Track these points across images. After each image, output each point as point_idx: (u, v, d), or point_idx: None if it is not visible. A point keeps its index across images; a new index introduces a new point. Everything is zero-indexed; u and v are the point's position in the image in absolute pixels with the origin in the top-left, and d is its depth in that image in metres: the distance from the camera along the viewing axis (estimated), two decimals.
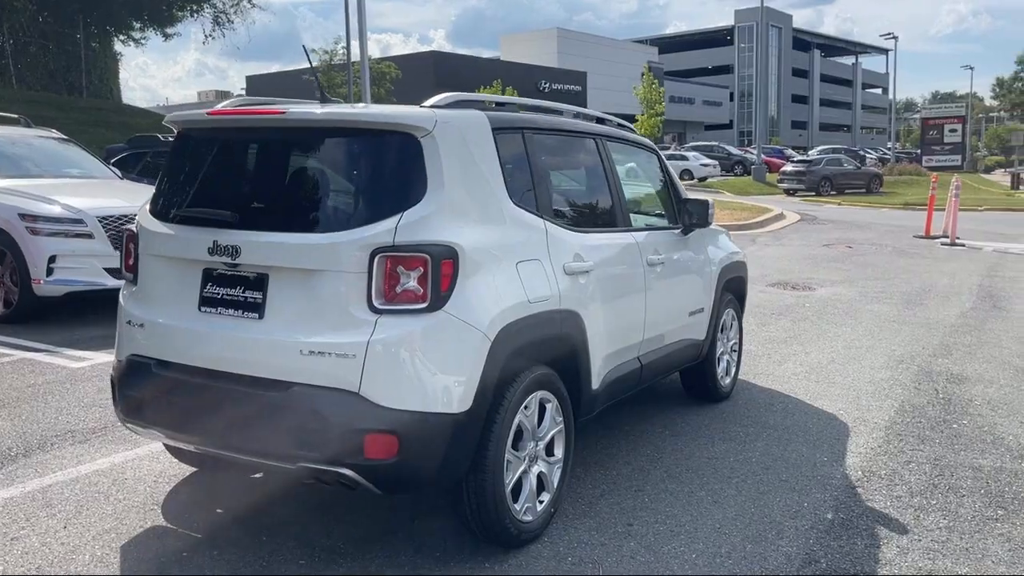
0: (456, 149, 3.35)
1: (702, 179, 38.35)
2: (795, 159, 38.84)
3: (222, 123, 3.64)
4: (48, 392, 5.80)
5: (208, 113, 3.61)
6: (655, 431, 5.16)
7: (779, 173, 35.37)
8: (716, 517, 3.89)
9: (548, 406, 3.67)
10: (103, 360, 6.52)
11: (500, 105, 4.12)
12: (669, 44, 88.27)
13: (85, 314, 8.24)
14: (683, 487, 4.26)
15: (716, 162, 40.92)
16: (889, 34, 52.77)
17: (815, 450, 4.84)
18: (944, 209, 17.38)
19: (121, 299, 3.80)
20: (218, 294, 3.43)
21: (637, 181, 5.34)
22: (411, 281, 3.10)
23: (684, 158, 39.84)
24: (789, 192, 33.26)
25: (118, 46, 34.62)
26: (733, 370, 6.03)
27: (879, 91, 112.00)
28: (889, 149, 61.53)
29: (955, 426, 5.32)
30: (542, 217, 3.77)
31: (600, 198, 4.55)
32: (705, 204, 5.16)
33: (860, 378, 6.48)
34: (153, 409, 3.55)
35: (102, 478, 4.31)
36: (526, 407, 3.50)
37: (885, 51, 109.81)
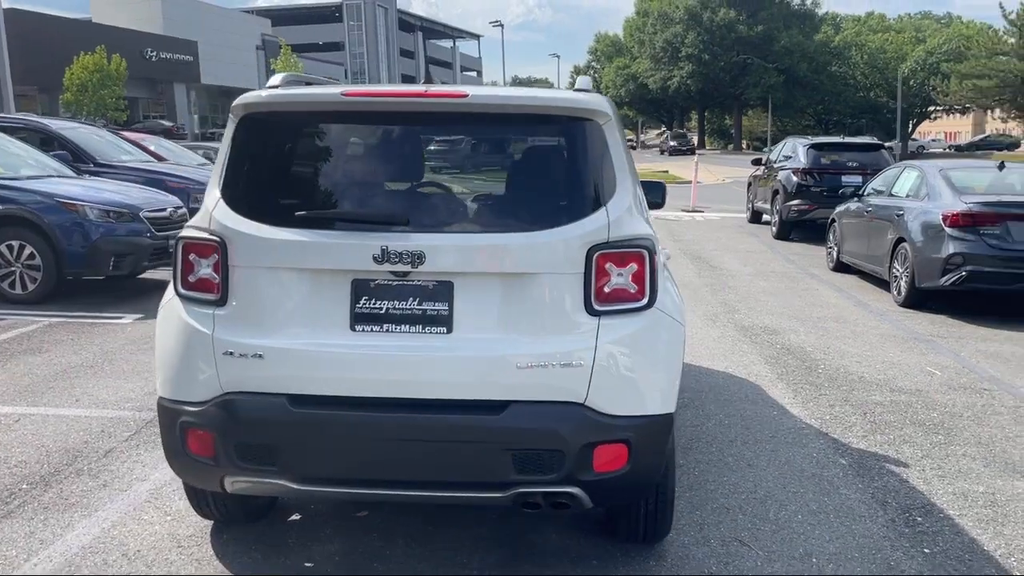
0: (621, 136, 3.21)
1: None
2: None
3: (373, 106, 3.02)
4: None
5: (347, 94, 2.97)
6: None
7: None
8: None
9: None
10: None
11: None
12: (282, 16, 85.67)
13: None
14: None
15: None
16: (496, 21, 56.78)
17: (770, 408, 5.44)
18: None
19: (194, 323, 2.98)
20: (380, 308, 2.90)
21: None
22: (624, 278, 2.93)
23: None
24: None
25: None
26: None
27: (474, 74, 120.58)
28: None
29: (821, 371, 6.31)
30: None
31: None
32: None
33: (698, 337, 7.28)
34: (293, 454, 2.90)
35: None
36: None
37: (477, 36, 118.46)
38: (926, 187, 9.02)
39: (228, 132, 3.11)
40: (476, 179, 3.13)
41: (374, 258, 2.83)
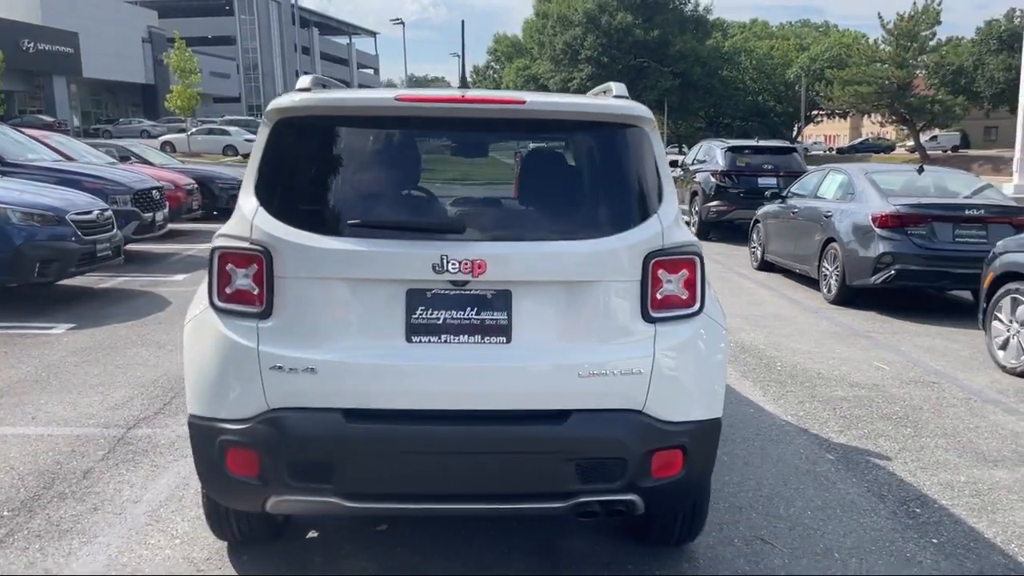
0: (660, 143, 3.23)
1: (247, 155, 37.03)
2: None
3: (428, 112, 2.91)
4: None
5: (401, 99, 2.85)
6: None
7: None
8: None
9: None
10: None
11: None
12: (169, 8, 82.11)
13: None
14: None
15: None
16: (397, 19, 56.22)
17: (746, 406, 5.59)
18: None
19: (235, 337, 2.82)
20: (437, 319, 2.82)
21: None
22: (676, 285, 2.95)
23: (226, 132, 38.03)
24: None
25: None
26: None
27: (371, 71, 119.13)
28: None
29: (780, 368, 6.53)
30: None
31: None
32: None
33: None
34: (349, 471, 2.78)
35: None
36: None
37: (374, 33, 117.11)
38: (853, 190, 9.46)
39: (264, 135, 2.97)
40: (529, 186, 3.08)
41: (433, 267, 2.76)
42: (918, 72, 52.38)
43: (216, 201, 16.12)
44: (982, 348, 7.04)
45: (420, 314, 2.82)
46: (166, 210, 12.04)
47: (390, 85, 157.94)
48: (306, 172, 2.96)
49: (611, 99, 3.11)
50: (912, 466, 4.56)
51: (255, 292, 2.84)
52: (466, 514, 3.32)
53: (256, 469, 2.82)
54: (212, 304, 2.90)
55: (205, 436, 2.90)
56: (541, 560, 3.44)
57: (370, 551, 3.47)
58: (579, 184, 3.05)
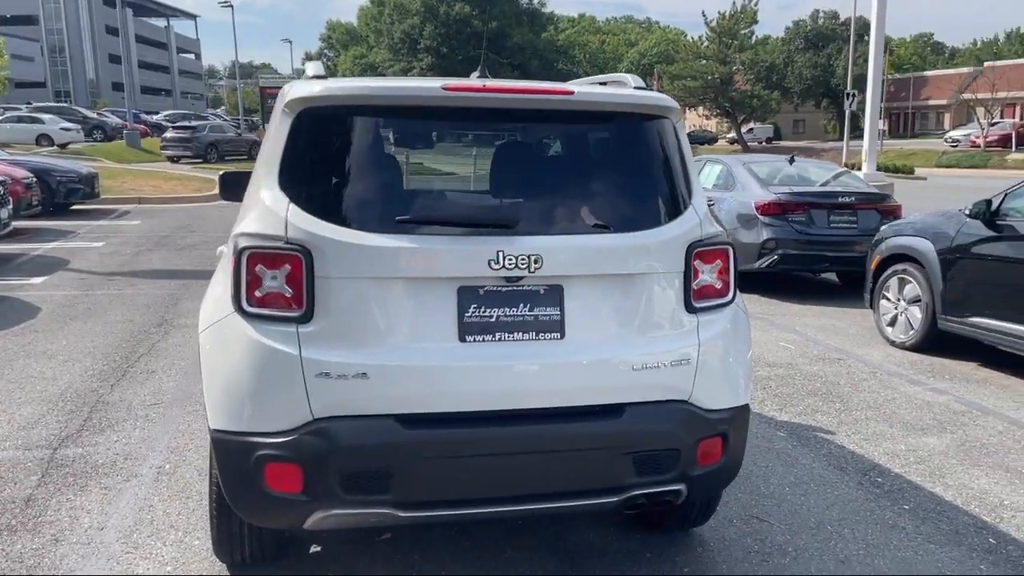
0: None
1: (64, 145, 34.13)
2: (177, 124, 37.47)
3: (476, 102, 2.75)
4: None
5: (448, 88, 2.68)
6: None
7: (162, 139, 33.92)
8: None
9: None
10: None
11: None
12: None
13: None
14: None
15: (78, 126, 36.74)
16: (226, 2, 53.48)
17: None
18: None
19: (272, 343, 2.59)
20: (491, 317, 2.71)
21: None
22: (712, 275, 2.99)
23: (39, 121, 34.83)
24: (174, 160, 32.21)
25: None
26: None
27: (192, 56, 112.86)
28: (220, 114, 63.22)
29: None
30: None
31: None
32: None
33: None
34: (407, 479, 2.63)
35: None
36: None
37: (194, 16, 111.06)
38: (732, 179, 9.96)
39: (286, 125, 2.74)
40: (574, 178, 3.00)
41: (489, 263, 2.65)
42: (737, 69, 55.89)
43: (54, 196, 14.74)
44: (868, 325, 7.62)
45: (473, 312, 2.70)
46: (10, 207, 10.90)
47: (212, 72, 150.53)
48: (342, 166, 2.77)
49: (633, 90, 3.10)
50: (855, 438, 4.87)
51: (292, 294, 2.63)
52: (519, 515, 3.22)
53: (300, 484, 2.62)
54: (240, 309, 2.65)
55: (237, 452, 2.65)
56: (562, 558, 3.40)
57: (383, 560, 3.31)
58: (623, 176, 3.01)
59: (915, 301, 6.90)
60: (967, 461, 4.54)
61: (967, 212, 6.41)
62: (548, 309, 2.76)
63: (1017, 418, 5.28)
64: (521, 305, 2.74)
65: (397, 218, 2.67)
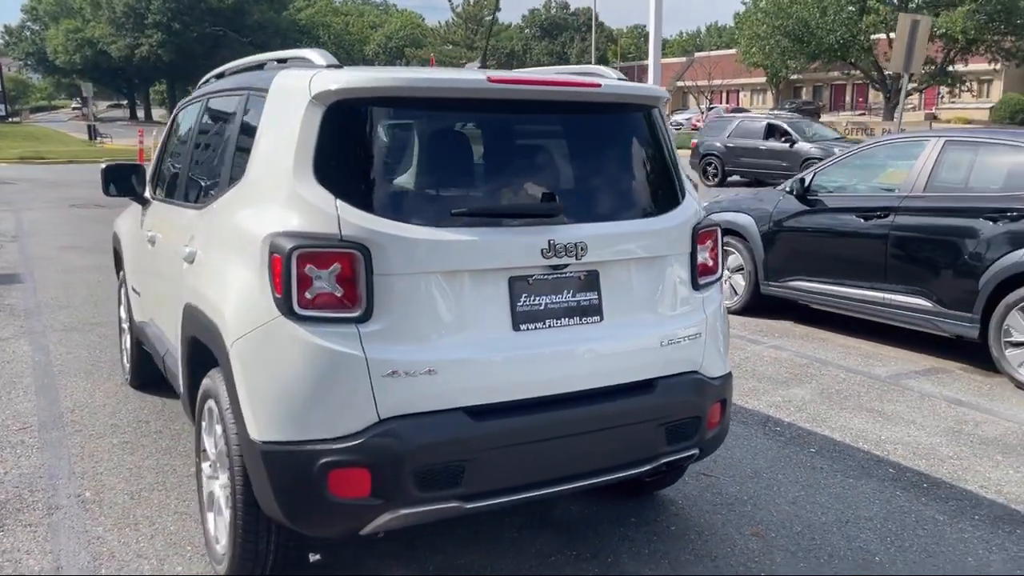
0: None
1: None
2: None
3: (517, 94, 2.74)
4: None
5: (492, 80, 2.63)
6: None
7: None
8: None
9: None
10: None
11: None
12: None
13: None
14: None
15: None
16: None
17: None
18: None
19: (332, 345, 2.47)
20: (540, 305, 2.76)
21: None
22: (706, 255, 3.24)
23: None
24: None
25: None
26: None
27: None
28: None
29: None
30: None
31: None
32: None
33: None
34: (479, 471, 2.61)
35: None
36: None
37: None
38: None
39: (317, 117, 2.60)
40: (601, 167, 3.08)
41: (542, 252, 2.71)
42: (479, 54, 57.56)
43: None
44: None
45: (524, 301, 2.75)
46: None
47: None
48: (389, 160, 2.71)
49: (628, 83, 3.26)
50: (737, 393, 5.34)
51: (347, 294, 2.52)
52: (569, 493, 3.26)
53: (368, 488, 2.53)
54: (290, 312, 2.49)
55: (296, 463, 2.51)
56: (562, 535, 3.51)
57: (392, 560, 3.24)
58: (641, 163, 3.18)
59: (738, 270, 7.70)
60: (835, 406, 5.22)
61: (785, 189, 7.27)
62: (588, 294, 2.87)
63: (851, 366, 6.12)
64: (565, 291, 2.83)
65: (452, 211, 2.64)
